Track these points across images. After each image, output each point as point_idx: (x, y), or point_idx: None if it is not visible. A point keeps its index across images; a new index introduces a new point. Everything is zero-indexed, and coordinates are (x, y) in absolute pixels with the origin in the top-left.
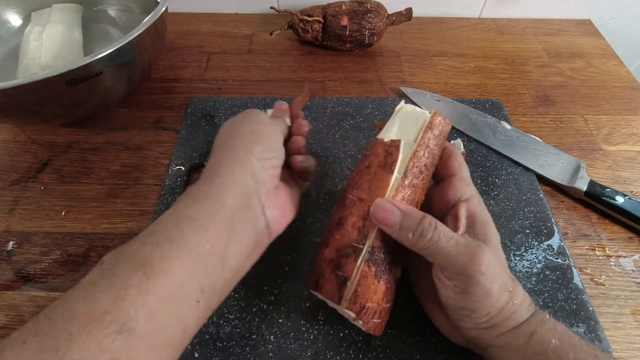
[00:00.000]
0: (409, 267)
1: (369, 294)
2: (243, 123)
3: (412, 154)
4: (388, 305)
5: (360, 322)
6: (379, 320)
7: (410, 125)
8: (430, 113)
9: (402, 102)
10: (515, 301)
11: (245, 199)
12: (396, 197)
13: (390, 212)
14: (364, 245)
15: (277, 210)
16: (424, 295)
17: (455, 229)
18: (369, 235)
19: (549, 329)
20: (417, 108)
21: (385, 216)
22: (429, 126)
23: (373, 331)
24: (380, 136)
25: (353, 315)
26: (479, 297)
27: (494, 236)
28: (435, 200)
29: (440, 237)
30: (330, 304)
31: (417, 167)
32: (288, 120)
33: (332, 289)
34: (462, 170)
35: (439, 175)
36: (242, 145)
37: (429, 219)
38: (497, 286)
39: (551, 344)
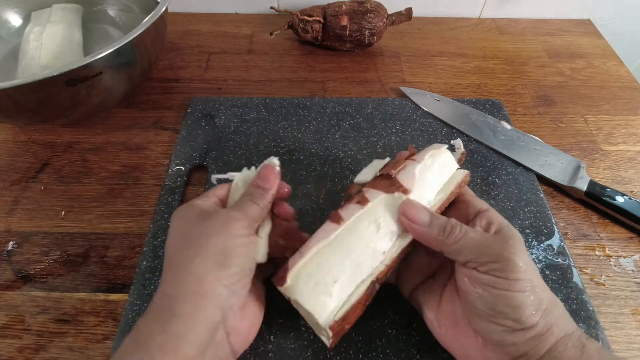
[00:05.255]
0: (424, 308)
1: (352, 319)
2: (212, 237)
3: (442, 203)
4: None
5: (331, 340)
6: (340, 338)
7: (443, 172)
8: (462, 170)
9: (445, 146)
10: (557, 300)
11: (209, 337)
12: None
13: (420, 210)
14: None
15: (244, 332)
16: (448, 323)
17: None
18: (378, 266)
19: (597, 348)
20: (453, 159)
21: (415, 214)
22: (460, 184)
23: (331, 346)
24: (416, 169)
25: (330, 334)
26: (522, 284)
27: (516, 234)
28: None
29: (469, 230)
30: (303, 311)
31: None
32: (270, 197)
33: None
34: (468, 191)
35: None
36: (209, 272)
37: (455, 220)
38: (536, 277)
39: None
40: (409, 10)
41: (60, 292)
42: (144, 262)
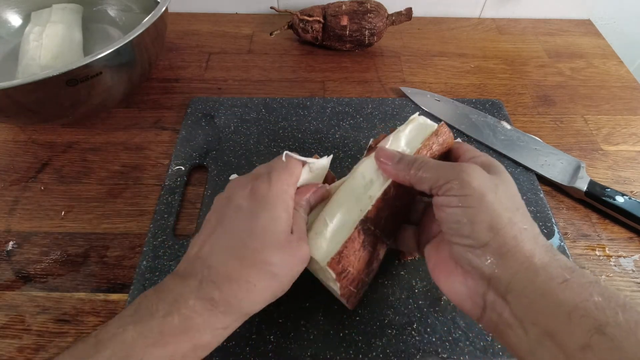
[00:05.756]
0: (420, 236)
1: (352, 259)
2: (285, 276)
3: (416, 151)
4: (366, 279)
5: (338, 284)
6: (355, 290)
7: (419, 134)
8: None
9: (417, 114)
10: (525, 227)
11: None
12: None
13: (390, 151)
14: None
15: None
16: (434, 258)
17: None
18: (366, 207)
19: (589, 282)
20: (429, 120)
21: (385, 153)
22: (436, 133)
23: (347, 299)
24: (388, 142)
25: (333, 275)
26: (474, 198)
27: (501, 173)
28: None
29: (430, 160)
30: (311, 265)
31: None
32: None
33: None
34: (466, 146)
35: (452, 160)
36: (263, 303)
37: (420, 156)
38: (493, 195)
39: (592, 298)
40: (409, 10)
41: (60, 292)
42: (144, 262)
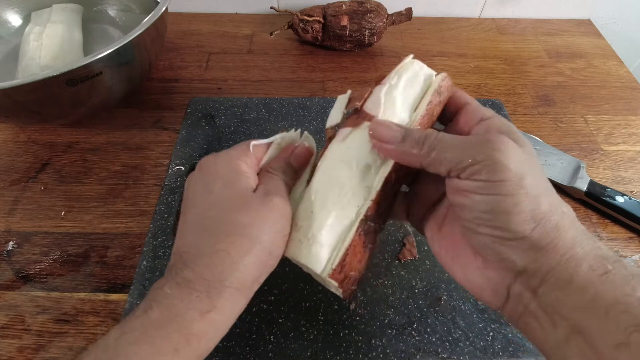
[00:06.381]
0: (412, 204)
1: (354, 264)
2: (265, 232)
3: (419, 121)
4: (364, 271)
5: (341, 290)
6: (355, 287)
7: (415, 87)
8: (437, 75)
9: (411, 56)
10: (564, 210)
11: (232, 323)
12: None
13: (389, 127)
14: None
15: None
16: (441, 240)
17: None
18: (364, 203)
19: (631, 275)
20: (425, 66)
21: (384, 131)
22: (438, 91)
23: (348, 297)
24: (380, 109)
25: (336, 284)
26: (512, 184)
27: (525, 143)
28: (454, 132)
29: (445, 136)
30: (307, 269)
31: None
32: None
33: None
34: (470, 100)
35: (449, 112)
36: (253, 272)
37: (430, 130)
38: (532, 178)
39: (635, 294)
40: (409, 10)
41: (60, 292)
42: (144, 262)
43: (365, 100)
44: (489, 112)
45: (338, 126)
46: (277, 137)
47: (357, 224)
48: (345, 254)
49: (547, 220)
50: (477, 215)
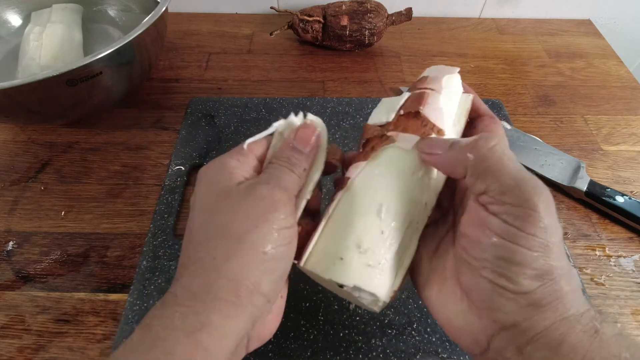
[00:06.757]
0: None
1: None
2: (252, 231)
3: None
4: None
5: (388, 301)
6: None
7: (454, 99)
8: (467, 95)
9: (458, 69)
10: (571, 271)
11: (234, 349)
12: None
13: (438, 140)
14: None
15: (264, 337)
16: (427, 269)
17: None
18: (421, 220)
19: (617, 334)
20: (461, 82)
21: (433, 144)
22: (468, 110)
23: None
24: (439, 102)
25: (388, 301)
26: (535, 242)
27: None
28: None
29: (504, 151)
30: (358, 294)
31: None
32: (308, 164)
33: None
34: (485, 110)
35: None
36: (247, 277)
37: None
38: (558, 238)
39: (622, 354)
40: (409, 10)
41: (60, 292)
42: (144, 262)
43: (423, 105)
44: (511, 159)
45: (388, 125)
46: (276, 126)
47: (416, 242)
48: (405, 276)
49: (554, 281)
50: (488, 256)
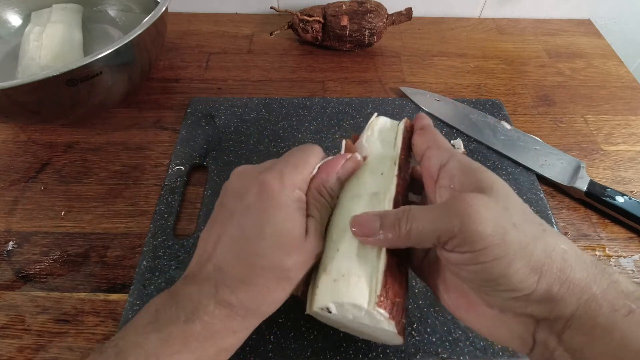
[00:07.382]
0: (426, 270)
1: (396, 288)
2: (292, 276)
3: (400, 150)
4: (407, 298)
5: (393, 322)
6: (404, 320)
7: (388, 130)
8: (400, 122)
9: (375, 114)
10: (563, 246)
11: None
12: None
13: (368, 217)
14: None
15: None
16: (452, 295)
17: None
18: None
19: None
20: (389, 119)
21: (364, 221)
22: (406, 128)
23: (403, 333)
24: (363, 140)
25: (386, 314)
26: (496, 248)
27: (492, 184)
28: (427, 182)
29: (416, 212)
30: (347, 318)
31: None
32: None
33: None
34: (433, 141)
35: (418, 157)
36: (275, 302)
37: (402, 208)
38: (514, 230)
39: None
40: (409, 10)
41: (60, 292)
42: (144, 262)
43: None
44: (445, 153)
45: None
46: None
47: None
48: (385, 277)
49: (549, 267)
50: (479, 283)
